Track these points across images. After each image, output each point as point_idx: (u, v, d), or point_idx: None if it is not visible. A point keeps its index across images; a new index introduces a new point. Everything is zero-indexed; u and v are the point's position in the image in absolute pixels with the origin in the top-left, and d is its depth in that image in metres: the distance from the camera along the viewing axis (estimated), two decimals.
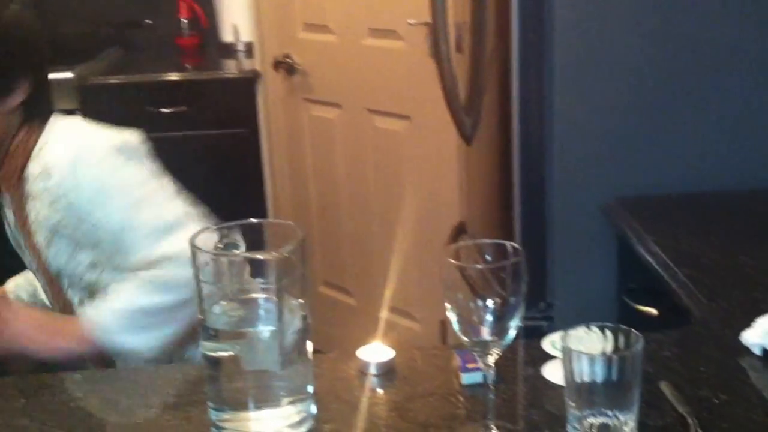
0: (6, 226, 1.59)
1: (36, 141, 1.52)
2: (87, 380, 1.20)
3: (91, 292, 1.54)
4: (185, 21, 3.66)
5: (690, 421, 1.03)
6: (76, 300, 1.56)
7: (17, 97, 1.51)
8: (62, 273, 1.54)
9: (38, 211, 1.50)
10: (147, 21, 3.66)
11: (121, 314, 1.43)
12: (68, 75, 3.06)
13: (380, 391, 1.16)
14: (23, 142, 1.52)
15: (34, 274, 1.62)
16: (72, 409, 1.13)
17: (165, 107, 3.16)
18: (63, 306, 1.58)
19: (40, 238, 1.52)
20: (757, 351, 1.20)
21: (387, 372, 1.18)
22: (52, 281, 1.57)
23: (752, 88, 1.93)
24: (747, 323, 1.23)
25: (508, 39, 1.93)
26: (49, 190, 1.48)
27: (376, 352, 1.20)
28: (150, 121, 3.17)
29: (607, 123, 1.93)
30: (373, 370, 1.18)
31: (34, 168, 1.51)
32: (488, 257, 1.06)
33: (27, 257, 1.59)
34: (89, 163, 1.47)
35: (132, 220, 1.46)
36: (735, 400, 1.09)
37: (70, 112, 3.03)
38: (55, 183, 1.47)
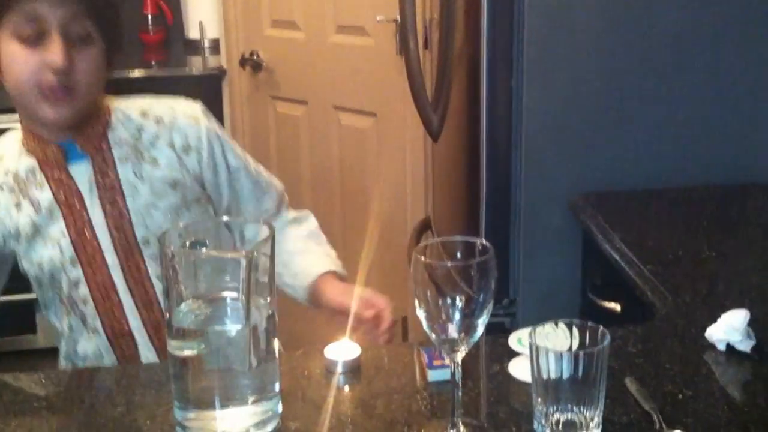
0: (51, 194, 1.50)
1: (109, 108, 1.54)
2: (50, 380, 1.19)
3: None
4: (150, 17, 3.63)
5: (654, 416, 1.04)
6: (152, 272, 1.51)
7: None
8: (151, 239, 1.50)
9: (142, 172, 1.51)
10: None
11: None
12: None
13: (346, 388, 1.16)
14: (103, 108, 1.53)
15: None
16: (35, 408, 1.12)
17: None
18: (135, 280, 1.52)
19: (136, 201, 1.50)
20: (721, 346, 1.21)
21: (353, 369, 1.18)
22: (131, 251, 1.50)
23: (714, 85, 1.96)
24: (711, 319, 1.24)
25: (477, 36, 1.93)
26: (163, 149, 1.52)
27: (342, 350, 1.20)
28: None
29: (573, 119, 1.95)
30: (339, 368, 1.18)
31: (124, 132, 1.52)
32: (457, 255, 1.07)
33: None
34: (207, 119, 1.58)
35: (249, 170, 1.63)
36: (699, 396, 1.10)
37: None
38: (178, 142, 1.53)
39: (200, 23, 3.53)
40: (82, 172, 1.50)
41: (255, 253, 0.98)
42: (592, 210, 1.82)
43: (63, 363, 1.60)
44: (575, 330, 1.01)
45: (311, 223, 1.75)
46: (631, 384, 1.12)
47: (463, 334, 1.00)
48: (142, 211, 1.50)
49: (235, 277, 0.99)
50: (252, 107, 3.19)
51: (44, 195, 1.49)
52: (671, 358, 1.20)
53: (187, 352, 1.02)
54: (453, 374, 1.03)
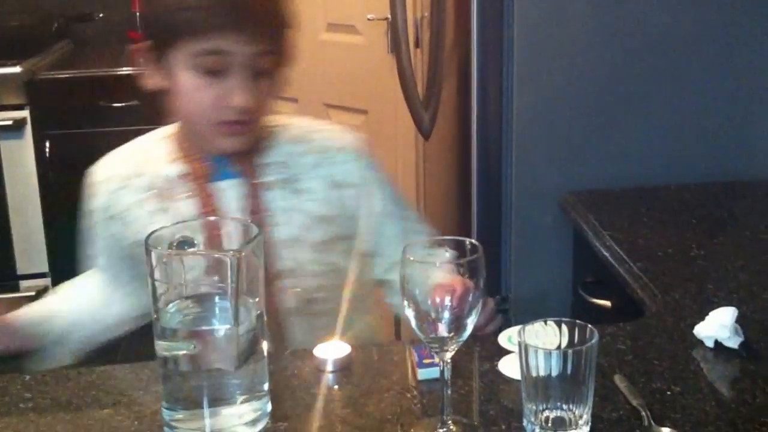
0: (195, 207, 1.42)
1: (266, 128, 1.45)
2: (36, 381, 1.19)
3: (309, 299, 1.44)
4: (138, 14, 3.62)
5: (643, 413, 1.05)
6: (281, 306, 1.43)
7: None
8: (287, 273, 1.42)
9: (293, 202, 1.42)
10: (99, 14, 3.61)
11: None
12: (16, 69, 3.01)
13: (336, 387, 1.16)
14: (264, 123, 1.45)
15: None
16: (21, 410, 1.12)
17: (117, 102, 3.13)
18: (269, 311, 1.41)
19: (281, 231, 1.41)
20: (709, 343, 1.22)
21: (343, 368, 1.19)
22: (271, 280, 1.42)
23: (702, 85, 1.97)
24: (700, 316, 1.25)
25: (468, 35, 1.94)
26: (319, 181, 1.43)
27: (332, 349, 1.20)
28: (102, 116, 3.14)
29: (563, 118, 1.96)
30: (329, 367, 1.18)
31: (279, 156, 1.44)
32: (447, 254, 1.07)
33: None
34: (369, 156, 1.49)
35: (401, 214, 1.51)
36: (687, 392, 1.11)
37: (19, 107, 3.01)
38: (337, 175, 1.44)
39: None
40: (229, 191, 1.42)
41: (242, 253, 0.98)
42: (582, 208, 1.83)
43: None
44: (564, 328, 1.02)
45: None
46: (620, 381, 1.12)
47: (452, 334, 1.01)
48: (286, 243, 1.41)
49: (224, 277, 0.99)
50: None
51: (187, 206, 1.41)
52: (660, 355, 1.21)
53: (175, 353, 1.02)
54: (442, 372, 1.03)
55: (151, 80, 1.39)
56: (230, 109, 1.31)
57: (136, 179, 1.44)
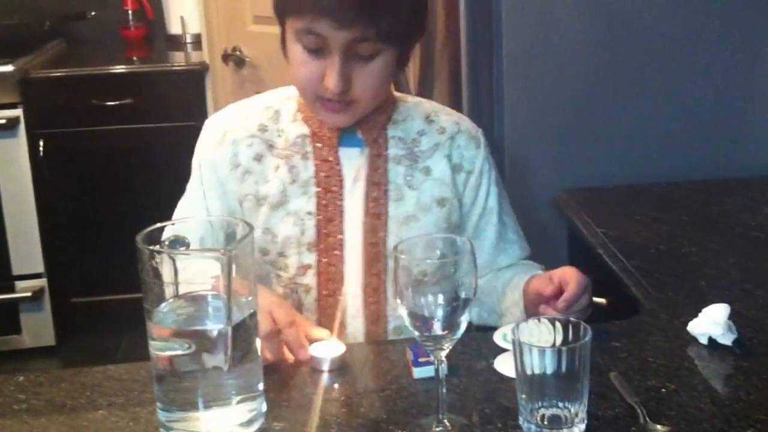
0: (313, 169, 1.40)
1: (393, 101, 1.43)
2: (31, 382, 1.18)
3: None
4: (131, 12, 3.61)
5: (638, 410, 1.04)
6: (389, 285, 1.39)
7: None
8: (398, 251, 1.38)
9: (413, 179, 1.40)
10: (92, 13, 3.60)
11: None
12: (8, 68, 2.99)
13: (332, 387, 1.15)
14: (388, 100, 1.43)
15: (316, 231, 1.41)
16: (15, 411, 1.11)
17: (111, 100, 3.12)
18: (371, 287, 1.41)
19: (398, 208, 1.39)
20: (703, 340, 1.22)
21: (339, 368, 1.18)
22: (377, 257, 1.39)
23: (695, 84, 1.97)
24: (693, 313, 1.25)
25: (457, 36, 1.94)
26: (440, 160, 1.41)
27: (327, 348, 1.20)
28: (96, 115, 3.13)
29: (556, 117, 1.95)
30: (325, 366, 1.18)
31: (403, 131, 1.42)
32: (438, 252, 1.07)
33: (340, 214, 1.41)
34: (486, 148, 1.46)
35: (500, 219, 1.47)
36: (682, 389, 1.11)
37: (12, 105, 2.99)
38: (455, 157, 1.42)
39: (181, 18, 3.52)
40: (351, 159, 1.40)
41: (234, 252, 0.98)
42: (576, 206, 1.83)
43: None
44: (558, 326, 1.01)
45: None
46: (615, 378, 1.12)
47: (446, 332, 1.00)
48: (401, 219, 1.39)
49: (217, 276, 0.98)
50: None
51: (306, 168, 1.39)
52: (655, 353, 1.21)
53: (168, 353, 1.01)
54: (437, 371, 1.03)
55: (282, 46, 1.39)
56: (324, 87, 1.31)
57: (259, 134, 1.42)
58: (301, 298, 1.40)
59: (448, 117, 1.46)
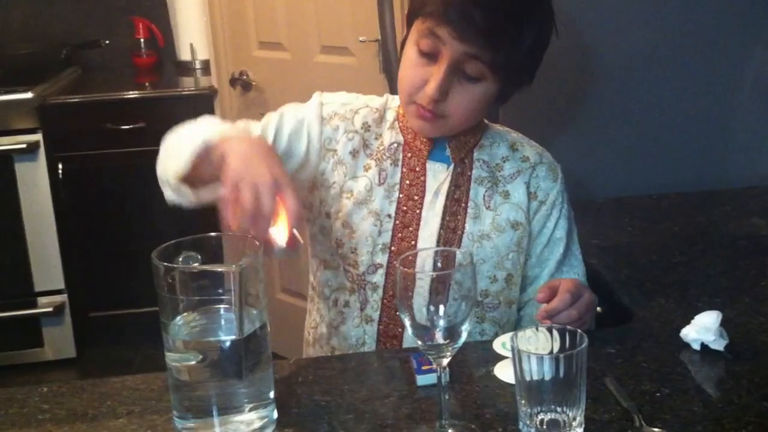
0: (400, 175, 1.40)
1: (480, 128, 1.44)
2: (54, 393, 1.18)
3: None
4: (142, 40, 3.62)
5: (634, 414, 1.04)
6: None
7: None
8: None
9: (492, 200, 1.40)
10: (105, 41, 3.61)
11: None
12: (28, 95, 3.00)
13: (339, 394, 1.15)
14: (478, 127, 1.43)
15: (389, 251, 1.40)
16: (40, 421, 1.11)
17: (125, 124, 3.12)
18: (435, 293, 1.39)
19: (475, 225, 1.39)
20: (696, 346, 1.21)
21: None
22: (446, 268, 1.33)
23: (683, 101, 1.98)
24: (685, 320, 1.24)
25: None
26: (519, 186, 1.42)
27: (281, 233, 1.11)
28: (111, 138, 3.14)
29: (546, 132, 1.95)
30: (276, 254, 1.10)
31: (489, 155, 1.42)
32: (438, 264, 1.07)
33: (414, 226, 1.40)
34: (563, 184, 1.46)
35: (565, 248, 1.46)
36: (676, 393, 1.11)
37: (32, 131, 3.00)
38: (533, 186, 1.43)
39: (191, 45, 3.53)
40: (436, 173, 1.40)
41: (245, 267, 0.97)
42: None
43: (307, 335, 1.51)
44: (555, 333, 1.01)
45: None
46: (610, 383, 1.12)
47: (448, 340, 1.00)
48: (475, 236, 1.39)
49: (228, 290, 0.98)
50: None
51: (394, 173, 1.40)
52: (648, 358, 1.20)
53: (184, 363, 1.01)
54: (439, 378, 1.03)
55: (401, 50, 1.39)
56: (423, 94, 1.31)
57: (361, 131, 1.42)
58: (367, 295, 1.40)
59: (532, 148, 1.47)
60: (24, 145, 2.98)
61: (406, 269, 1.00)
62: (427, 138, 1.40)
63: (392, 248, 1.39)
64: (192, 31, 3.52)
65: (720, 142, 2.01)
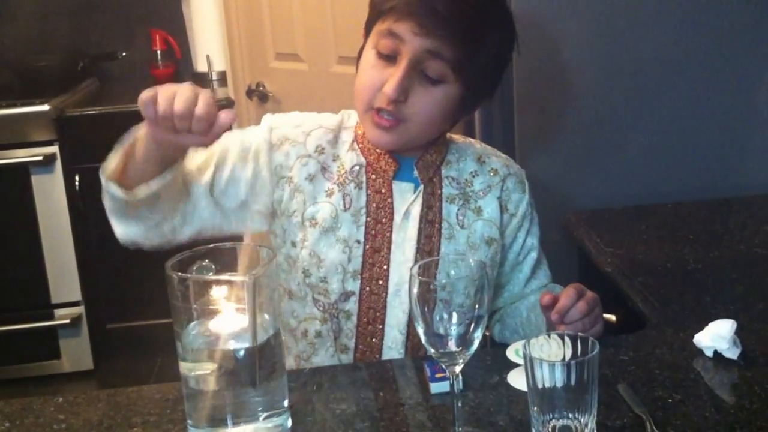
0: (365, 198, 1.38)
1: (445, 144, 1.42)
2: (70, 403, 1.20)
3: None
4: (159, 52, 3.66)
5: (646, 420, 1.05)
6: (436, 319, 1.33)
7: None
8: (446, 288, 1.38)
9: (465, 218, 1.40)
10: (122, 53, 3.65)
11: None
12: (45, 107, 3.04)
13: (353, 402, 1.16)
14: (442, 144, 1.42)
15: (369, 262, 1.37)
16: (56, 431, 1.13)
17: None
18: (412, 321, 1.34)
19: (449, 245, 1.38)
20: (708, 353, 1.22)
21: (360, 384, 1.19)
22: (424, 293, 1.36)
23: (696, 107, 1.98)
24: (698, 327, 1.25)
25: None
26: (491, 201, 1.41)
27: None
28: None
29: (565, 144, 1.96)
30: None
31: (457, 172, 1.42)
32: (453, 272, 1.08)
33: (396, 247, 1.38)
34: (529, 193, 1.47)
35: (536, 255, 1.48)
36: (688, 399, 1.11)
37: (49, 143, 3.04)
38: (504, 199, 1.43)
39: (207, 57, 3.56)
40: (404, 194, 1.39)
41: (258, 276, 0.99)
42: (585, 227, 1.84)
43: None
44: (567, 341, 1.02)
45: None
46: (623, 390, 1.13)
47: (461, 348, 1.01)
48: (451, 257, 1.35)
49: (241, 299, 1.00)
50: None
51: (359, 196, 1.37)
52: (661, 365, 1.21)
53: (198, 373, 1.03)
54: (452, 386, 1.04)
55: (358, 60, 1.39)
56: (381, 94, 1.29)
57: (315, 155, 1.38)
58: (341, 323, 1.38)
59: (498, 159, 1.46)
60: (41, 157, 3.01)
61: (422, 278, 1.01)
62: (391, 158, 1.38)
63: (363, 275, 1.37)
64: (209, 42, 3.55)
65: (736, 149, 2.01)
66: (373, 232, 1.37)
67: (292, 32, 2.91)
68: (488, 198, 1.42)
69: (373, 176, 1.38)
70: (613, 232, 1.79)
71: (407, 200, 1.38)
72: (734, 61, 1.97)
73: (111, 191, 1.29)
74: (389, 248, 1.37)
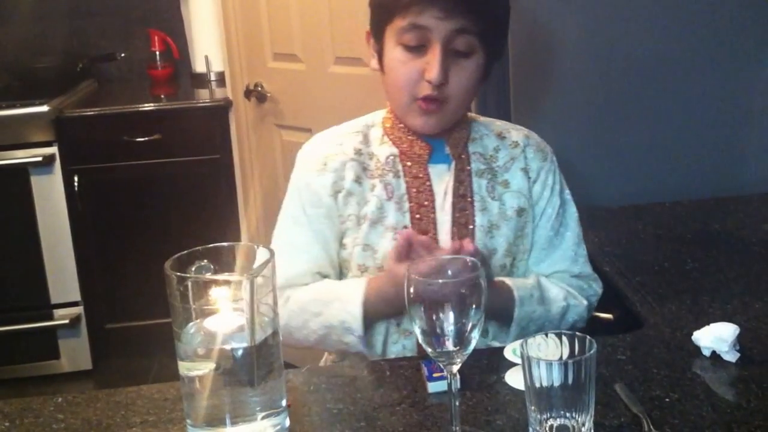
0: (405, 185, 1.43)
1: (467, 122, 1.47)
2: (69, 403, 1.20)
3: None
4: (158, 53, 3.66)
5: (643, 419, 1.05)
6: None
7: None
8: (485, 258, 1.40)
9: (494, 191, 1.43)
10: (121, 54, 3.66)
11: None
12: (44, 108, 3.04)
13: (351, 402, 1.16)
14: (465, 121, 1.46)
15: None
16: (55, 430, 1.13)
17: (140, 136, 3.16)
18: None
19: (483, 217, 1.42)
20: (706, 353, 1.22)
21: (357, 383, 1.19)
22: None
23: (694, 108, 1.98)
24: (696, 326, 1.25)
25: None
26: (517, 173, 1.44)
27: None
28: (127, 150, 3.17)
29: (562, 142, 1.96)
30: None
31: (482, 147, 1.45)
32: (448, 272, 1.08)
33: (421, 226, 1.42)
34: (553, 159, 1.49)
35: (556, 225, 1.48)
36: (685, 398, 1.12)
37: (48, 143, 3.04)
38: (529, 169, 1.45)
39: (206, 57, 3.57)
40: (440, 174, 1.43)
41: (257, 276, 0.99)
42: (583, 226, 1.83)
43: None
44: (564, 340, 1.02)
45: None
46: (620, 389, 1.13)
47: (458, 347, 1.02)
48: (485, 228, 1.42)
49: (239, 299, 1.00)
50: (259, 136, 3.21)
51: (399, 185, 1.43)
52: (658, 364, 1.21)
53: (196, 372, 1.03)
54: (450, 385, 1.04)
55: (372, 63, 1.45)
56: (425, 83, 1.34)
57: (356, 157, 1.44)
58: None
59: (518, 132, 1.50)
60: (40, 158, 3.01)
61: (416, 277, 1.02)
62: (424, 142, 1.43)
63: (415, 257, 1.38)
64: (207, 43, 3.55)
65: (733, 148, 2.02)
66: (418, 215, 1.42)
67: (289, 33, 2.92)
68: (513, 170, 1.46)
69: (409, 163, 1.44)
70: (611, 232, 1.80)
71: (444, 180, 1.43)
72: (732, 61, 1.97)
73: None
74: (435, 229, 1.42)
